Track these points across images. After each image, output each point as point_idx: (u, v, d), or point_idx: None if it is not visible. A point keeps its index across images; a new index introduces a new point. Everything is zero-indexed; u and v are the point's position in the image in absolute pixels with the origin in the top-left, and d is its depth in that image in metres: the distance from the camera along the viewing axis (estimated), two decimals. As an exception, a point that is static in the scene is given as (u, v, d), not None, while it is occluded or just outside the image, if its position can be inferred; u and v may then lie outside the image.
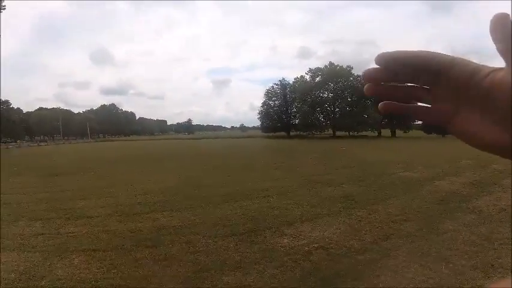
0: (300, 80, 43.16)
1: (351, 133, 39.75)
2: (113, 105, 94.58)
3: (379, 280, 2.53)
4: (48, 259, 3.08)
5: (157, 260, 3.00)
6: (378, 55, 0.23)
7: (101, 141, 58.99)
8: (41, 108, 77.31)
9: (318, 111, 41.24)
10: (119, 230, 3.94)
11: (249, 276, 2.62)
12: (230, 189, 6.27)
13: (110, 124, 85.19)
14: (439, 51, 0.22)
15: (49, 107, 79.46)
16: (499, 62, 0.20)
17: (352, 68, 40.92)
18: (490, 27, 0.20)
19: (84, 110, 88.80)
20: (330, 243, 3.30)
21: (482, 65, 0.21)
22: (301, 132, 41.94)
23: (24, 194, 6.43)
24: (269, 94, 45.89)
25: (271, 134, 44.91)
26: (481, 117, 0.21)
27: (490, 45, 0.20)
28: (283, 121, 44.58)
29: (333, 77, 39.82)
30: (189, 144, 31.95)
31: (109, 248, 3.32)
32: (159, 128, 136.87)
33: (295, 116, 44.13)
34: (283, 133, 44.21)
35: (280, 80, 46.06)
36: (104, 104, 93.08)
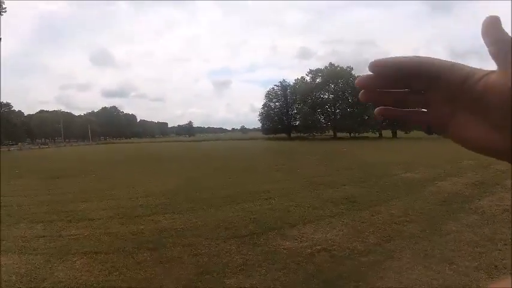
0: (301, 81, 43.24)
1: (351, 134, 39.70)
2: (114, 107, 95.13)
3: (383, 282, 2.51)
4: (50, 261, 3.07)
5: (159, 262, 2.98)
6: (371, 62, 0.23)
7: (102, 143, 59.15)
8: (42, 111, 77.76)
9: (318, 113, 41.22)
10: (120, 232, 3.93)
11: (252, 279, 2.60)
12: (231, 191, 6.26)
13: (111, 126, 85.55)
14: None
15: (50, 109, 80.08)
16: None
17: (352, 68, 41.03)
18: (481, 30, 0.20)
19: (85, 113, 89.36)
20: (333, 245, 3.28)
21: (476, 69, 0.21)
22: (302, 134, 41.92)
23: (25, 197, 6.44)
24: (270, 95, 46.02)
25: (272, 136, 44.92)
26: (476, 120, 0.21)
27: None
28: (283, 123, 44.60)
29: (333, 77, 39.87)
30: (190, 146, 31.98)
31: (111, 251, 3.31)
32: (160, 130, 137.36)
33: (295, 118, 44.15)
34: (284, 135, 44.21)
35: (280, 82, 46.22)
36: (105, 107, 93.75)
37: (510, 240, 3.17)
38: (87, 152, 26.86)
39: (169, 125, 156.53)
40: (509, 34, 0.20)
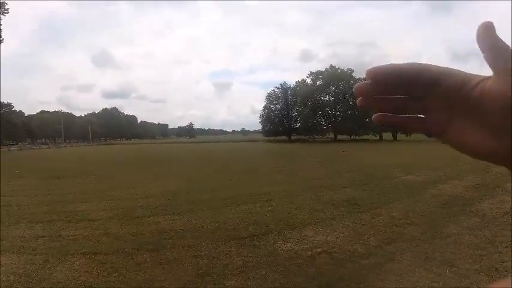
0: (301, 84, 43.39)
1: (352, 137, 39.71)
2: (114, 108, 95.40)
3: (384, 284, 2.49)
4: (48, 262, 3.05)
5: (159, 263, 2.97)
6: (369, 69, 0.23)
7: (103, 144, 59.19)
8: (43, 111, 77.98)
9: (319, 115, 41.31)
10: (120, 233, 3.92)
11: (252, 281, 2.59)
12: (232, 193, 6.24)
13: (112, 127, 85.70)
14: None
15: (51, 110, 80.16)
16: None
17: (353, 71, 41.20)
18: (476, 36, 0.21)
19: (86, 114, 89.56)
20: (334, 247, 3.26)
21: (472, 74, 0.21)
22: (303, 136, 41.96)
23: (25, 197, 6.43)
24: (270, 98, 46.14)
25: (272, 138, 44.96)
26: (473, 126, 0.21)
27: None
28: (284, 125, 44.66)
29: (334, 80, 40.00)
30: (190, 148, 31.99)
31: (110, 251, 3.29)
32: (161, 131, 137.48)
33: (296, 120, 44.22)
34: (284, 137, 44.24)
35: (281, 84, 46.41)
36: (106, 108, 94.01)
37: (511, 242, 3.15)
38: (87, 153, 26.87)
39: (170, 127, 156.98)
40: (504, 40, 0.20)
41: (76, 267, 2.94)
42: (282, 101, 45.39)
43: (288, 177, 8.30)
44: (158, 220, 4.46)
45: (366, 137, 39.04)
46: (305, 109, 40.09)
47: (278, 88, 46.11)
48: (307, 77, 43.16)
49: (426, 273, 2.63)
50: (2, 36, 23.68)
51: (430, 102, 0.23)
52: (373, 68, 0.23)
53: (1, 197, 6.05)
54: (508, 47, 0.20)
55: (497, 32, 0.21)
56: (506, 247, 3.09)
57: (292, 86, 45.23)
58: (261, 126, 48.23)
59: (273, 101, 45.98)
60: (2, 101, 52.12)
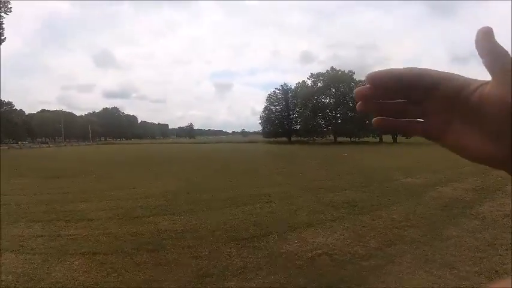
0: (302, 85, 43.42)
1: (352, 139, 39.70)
2: (115, 108, 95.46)
3: (384, 286, 2.49)
4: (47, 261, 3.04)
5: (159, 264, 2.96)
6: (368, 74, 0.24)
7: (103, 144, 59.17)
8: (43, 111, 78.03)
9: (319, 117, 41.30)
10: (119, 233, 3.90)
11: (252, 282, 2.58)
12: (232, 194, 6.23)
13: (112, 127, 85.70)
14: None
15: (52, 109, 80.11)
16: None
17: (353, 73, 41.21)
18: (475, 41, 0.21)
19: (86, 113, 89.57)
20: (334, 249, 3.25)
21: (471, 79, 0.22)
22: (302, 138, 41.95)
23: (24, 196, 6.41)
24: (271, 99, 46.16)
25: (272, 139, 44.95)
26: (472, 130, 0.21)
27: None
28: (284, 126, 44.65)
29: (335, 82, 40.02)
30: (190, 148, 31.99)
31: (109, 252, 3.28)
32: (161, 131, 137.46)
33: (296, 122, 44.22)
34: (284, 138, 44.24)
35: (281, 85, 46.43)
36: (107, 107, 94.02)
37: (511, 245, 3.15)
38: (87, 152, 26.85)
39: (170, 127, 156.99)
40: (503, 44, 0.20)
41: (75, 267, 2.92)
42: (282, 103, 45.41)
43: (288, 179, 8.29)
44: (158, 220, 4.45)
45: (366, 139, 39.00)
46: (305, 111, 40.10)
47: (279, 89, 46.20)
48: (308, 79, 43.24)
49: (426, 275, 2.62)
50: (5, 35, 23.75)
51: (429, 106, 0.23)
52: (372, 72, 0.23)
53: (1, 196, 6.03)
54: (507, 52, 0.20)
55: (497, 33, 0.21)
56: (506, 250, 3.09)
57: (292, 87, 45.33)
58: (261, 128, 48.24)
59: (273, 102, 46.02)
60: (2, 99, 52.15)
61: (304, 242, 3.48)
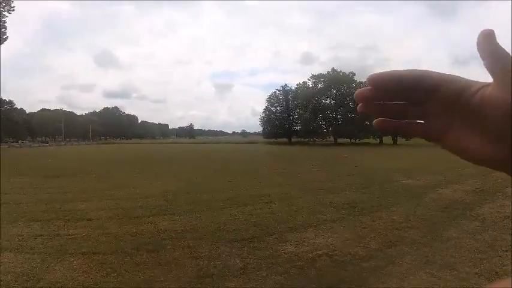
0: (302, 86, 43.44)
1: (352, 140, 39.71)
2: (115, 108, 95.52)
3: (385, 287, 2.48)
4: (47, 261, 3.03)
5: (159, 264, 2.95)
6: (370, 76, 0.24)
7: (103, 143, 59.10)
8: (44, 110, 78.06)
9: (319, 118, 41.30)
10: (119, 233, 3.89)
11: (253, 283, 2.57)
12: (232, 194, 6.23)
13: (112, 127, 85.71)
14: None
15: (52, 108, 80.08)
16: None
17: (354, 74, 41.25)
18: (477, 43, 0.21)
19: (87, 112, 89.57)
20: (334, 250, 3.25)
21: (472, 81, 0.22)
22: (303, 139, 41.94)
23: (24, 195, 6.40)
24: (271, 100, 46.17)
25: (272, 140, 44.95)
26: (473, 132, 0.21)
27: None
28: (284, 127, 44.65)
29: (335, 83, 40.05)
30: (190, 148, 31.97)
31: (109, 252, 3.27)
32: (161, 131, 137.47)
33: (296, 123, 44.21)
34: (284, 139, 44.23)
35: (282, 86, 46.47)
36: (107, 107, 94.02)
37: (510, 246, 3.15)
38: (87, 152, 26.83)
39: (170, 127, 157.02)
40: (504, 48, 0.20)
41: (74, 266, 2.91)
42: (282, 103, 45.41)
43: (288, 180, 8.29)
44: (158, 220, 4.43)
45: (366, 140, 39.03)
46: (306, 112, 40.10)
47: (279, 90, 46.24)
48: (309, 80, 43.27)
49: (427, 276, 2.62)
50: (7, 34, 23.76)
51: (430, 108, 0.23)
52: (373, 74, 0.24)
53: (0, 195, 6.01)
54: (508, 54, 0.20)
55: (498, 34, 0.21)
56: (506, 251, 3.10)
57: (293, 88, 45.35)
58: (261, 128, 48.23)
59: (273, 103, 46.03)
60: (3, 98, 52.12)
61: (305, 243, 3.47)
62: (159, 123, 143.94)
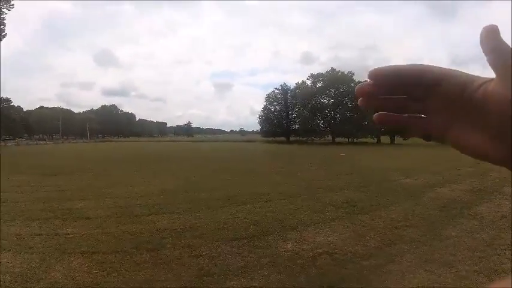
0: (301, 85, 43.40)
1: (350, 139, 39.86)
2: (113, 106, 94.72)
3: (385, 285, 2.50)
4: (46, 261, 3.00)
5: (159, 263, 2.94)
6: (371, 71, 0.24)
7: (100, 141, 58.75)
8: (41, 107, 77.25)
9: (318, 117, 41.36)
10: (118, 232, 3.87)
11: (254, 281, 2.57)
12: (231, 193, 6.22)
13: (110, 125, 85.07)
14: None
15: (50, 106, 79.27)
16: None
17: (353, 74, 41.25)
18: (480, 39, 0.21)
19: (84, 110, 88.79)
20: (335, 248, 3.26)
21: (474, 76, 0.21)
22: (301, 138, 42.02)
23: (21, 193, 6.34)
24: (270, 99, 46.14)
25: (270, 139, 44.97)
26: (475, 128, 0.21)
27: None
28: (283, 126, 44.67)
29: (334, 82, 40.08)
30: (188, 146, 31.88)
31: (109, 251, 3.25)
32: (159, 130, 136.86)
33: (295, 121, 44.26)
34: (282, 138, 44.27)
35: (281, 85, 46.41)
36: (105, 105, 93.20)
37: (510, 244, 3.19)
38: (84, 150, 26.65)
39: (168, 125, 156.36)
40: (508, 43, 0.20)
41: (74, 266, 2.89)
42: (281, 102, 45.41)
43: (287, 178, 8.30)
44: (157, 219, 4.42)
45: (364, 139, 39.20)
46: (304, 111, 40.14)
47: (278, 89, 46.18)
48: (308, 79, 43.24)
49: (427, 274, 2.65)
50: (5, 31, 23.46)
51: (431, 103, 0.23)
52: (374, 69, 0.23)
53: (0, 194, 5.94)
54: (510, 49, 0.20)
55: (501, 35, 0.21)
56: (505, 249, 3.13)
57: (292, 87, 45.34)
58: (259, 127, 48.24)
59: (272, 102, 45.99)
60: (1, 96, 51.44)
61: (305, 241, 3.48)
62: (157, 122, 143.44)
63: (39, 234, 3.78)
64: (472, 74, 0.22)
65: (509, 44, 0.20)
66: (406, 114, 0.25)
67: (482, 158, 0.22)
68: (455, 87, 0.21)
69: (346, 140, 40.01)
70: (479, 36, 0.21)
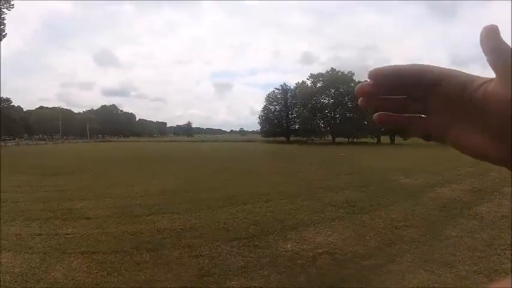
0: (301, 85, 43.40)
1: (350, 139, 39.87)
2: (113, 106, 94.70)
3: (385, 285, 2.50)
4: (46, 261, 3.00)
5: (159, 263, 2.93)
6: (371, 71, 0.24)
7: (100, 141, 58.75)
8: (41, 107, 77.21)
9: (318, 117, 41.36)
10: (118, 232, 3.87)
11: (254, 281, 2.57)
12: (231, 193, 6.22)
13: (110, 125, 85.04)
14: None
15: (50, 106, 79.21)
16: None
17: (353, 74, 41.25)
18: (480, 39, 0.21)
19: (84, 110, 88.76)
20: (335, 248, 3.26)
21: (474, 76, 0.21)
22: (301, 138, 42.02)
23: (21, 193, 6.34)
24: (270, 99, 46.14)
25: (270, 139, 44.97)
26: (475, 128, 0.21)
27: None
28: (283, 126, 44.67)
29: (334, 82, 40.07)
30: (188, 146, 31.88)
31: (109, 251, 3.25)
32: (159, 130, 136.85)
33: (295, 121, 44.26)
34: (282, 138, 44.28)
35: (281, 85, 46.41)
36: (105, 105, 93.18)
37: (510, 244, 3.19)
38: (84, 150, 26.65)
39: (168, 125, 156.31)
40: (508, 43, 0.20)
41: (74, 266, 2.89)
42: (281, 102, 45.41)
43: (287, 178, 8.30)
44: (157, 219, 4.42)
45: (364, 139, 39.21)
46: (304, 111, 40.14)
47: (278, 89, 46.18)
48: (308, 79, 43.24)
49: (427, 274, 2.65)
50: (6, 31, 23.45)
51: (431, 103, 0.23)
52: (374, 69, 0.23)
53: (0, 194, 5.94)
54: (510, 49, 0.20)
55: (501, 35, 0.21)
56: (505, 249, 3.14)
57: (292, 87, 45.34)
58: (259, 127, 48.23)
59: (272, 102, 45.99)
60: (1, 96, 51.40)
61: (305, 241, 3.48)
62: (157, 122, 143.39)
63: (39, 234, 3.78)
64: (472, 74, 0.22)
65: (509, 44, 0.20)
66: (406, 114, 0.25)
67: (483, 158, 0.22)
68: (456, 87, 0.21)
69: (346, 140, 40.01)
70: (479, 36, 0.21)
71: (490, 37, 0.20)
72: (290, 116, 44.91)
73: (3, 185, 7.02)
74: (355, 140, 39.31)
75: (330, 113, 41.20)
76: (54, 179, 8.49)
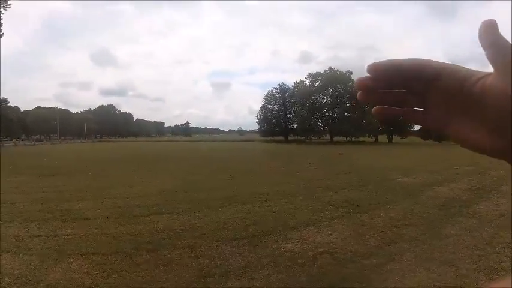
0: (299, 85, 43.44)
1: (348, 138, 40.00)
2: (111, 106, 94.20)
3: (386, 284, 2.51)
4: (45, 262, 2.98)
5: (160, 264, 2.92)
6: (370, 64, 0.24)
7: (98, 141, 58.47)
8: (39, 107, 76.57)
9: (316, 116, 41.42)
10: (117, 232, 3.85)
11: (255, 281, 2.57)
12: (230, 193, 6.21)
13: (108, 125, 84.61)
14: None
15: (48, 106, 78.55)
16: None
17: (351, 73, 41.34)
18: (479, 33, 0.21)
19: (82, 110, 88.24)
20: (335, 247, 3.27)
21: (473, 70, 0.21)
22: (299, 137, 42.08)
23: (19, 194, 6.29)
24: (268, 98, 46.13)
25: (269, 138, 45.00)
26: (474, 122, 0.21)
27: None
28: (281, 125, 44.70)
29: (332, 82, 40.15)
30: (186, 146, 31.81)
31: (108, 252, 3.23)
32: (157, 129, 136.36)
33: (293, 121, 44.30)
34: (281, 137, 44.30)
35: (279, 84, 46.41)
36: (102, 105, 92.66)
37: (509, 242, 3.22)
38: (82, 150, 26.50)
39: (166, 125, 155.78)
40: (506, 37, 0.20)
41: (74, 267, 2.87)
42: (279, 102, 45.42)
43: (286, 178, 8.31)
44: (156, 219, 4.40)
45: (362, 139, 39.37)
46: (302, 110, 40.19)
47: (276, 89, 46.18)
48: (306, 78, 43.29)
49: (427, 272, 2.66)
50: (3, 31, 23.21)
51: (430, 97, 0.23)
52: (373, 63, 0.23)
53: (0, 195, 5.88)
54: (510, 44, 0.20)
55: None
56: (504, 248, 3.16)
57: (290, 87, 45.37)
58: (257, 126, 48.18)
59: (270, 101, 45.99)
60: (-1, 96, 50.87)
61: (305, 241, 3.48)
62: (155, 121, 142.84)
63: (38, 236, 3.75)
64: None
65: (510, 44, 0.20)
66: (406, 108, 0.25)
67: (482, 151, 0.22)
68: (455, 81, 0.21)
69: (344, 139, 40.14)
70: (477, 31, 0.21)
71: (489, 32, 0.20)
72: (288, 116, 44.95)
73: (2, 186, 6.95)
74: (353, 139, 39.45)
75: (328, 112, 41.29)
76: (53, 179, 8.44)
